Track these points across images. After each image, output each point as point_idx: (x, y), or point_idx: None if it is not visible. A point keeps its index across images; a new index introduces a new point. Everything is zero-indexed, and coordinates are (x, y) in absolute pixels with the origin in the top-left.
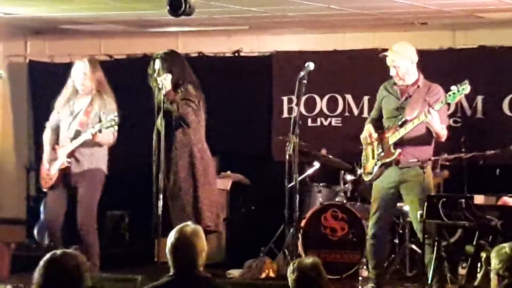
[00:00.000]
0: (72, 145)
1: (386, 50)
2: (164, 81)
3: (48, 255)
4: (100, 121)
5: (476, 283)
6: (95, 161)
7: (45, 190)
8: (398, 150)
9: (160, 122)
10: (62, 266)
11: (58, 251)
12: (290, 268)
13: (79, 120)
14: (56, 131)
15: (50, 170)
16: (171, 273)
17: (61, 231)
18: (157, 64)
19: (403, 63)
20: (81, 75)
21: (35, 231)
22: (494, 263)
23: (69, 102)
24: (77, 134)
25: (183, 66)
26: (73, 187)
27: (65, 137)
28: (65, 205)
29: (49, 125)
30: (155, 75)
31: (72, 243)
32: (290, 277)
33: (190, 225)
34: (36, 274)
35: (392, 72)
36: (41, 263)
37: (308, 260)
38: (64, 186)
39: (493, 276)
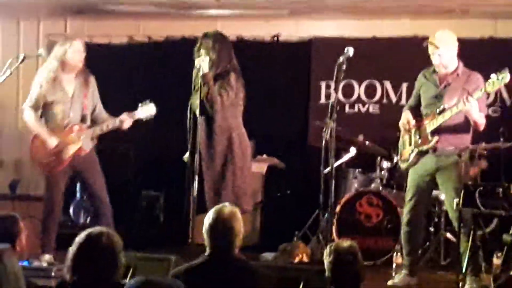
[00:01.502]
0: (100, 130)
1: (425, 38)
2: (202, 63)
3: (84, 233)
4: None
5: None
6: (92, 143)
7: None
8: (436, 138)
9: (194, 102)
10: (97, 245)
11: (94, 230)
12: (326, 251)
13: (83, 103)
14: (44, 109)
15: (63, 153)
16: (206, 254)
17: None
18: (202, 43)
19: (446, 51)
20: (82, 54)
21: (71, 209)
22: None
23: (57, 80)
24: (84, 117)
25: (226, 51)
26: (78, 171)
27: (74, 119)
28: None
29: (30, 105)
30: (196, 54)
31: None
32: (327, 259)
33: (227, 206)
34: (71, 252)
35: (435, 61)
36: (77, 241)
37: (346, 243)
38: (70, 169)
39: None
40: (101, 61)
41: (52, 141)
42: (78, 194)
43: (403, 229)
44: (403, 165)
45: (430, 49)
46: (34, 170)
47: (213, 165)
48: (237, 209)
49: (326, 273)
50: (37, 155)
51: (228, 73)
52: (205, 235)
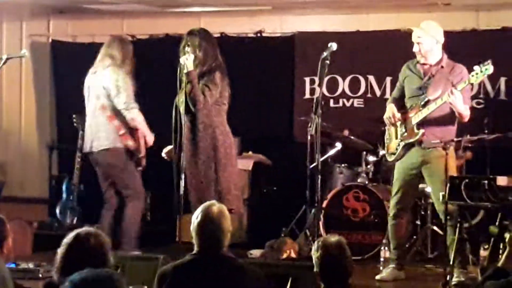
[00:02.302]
0: None
1: (408, 31)
2: (186, 61)
3: (71, 234)
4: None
5: (499, 264)
6: None
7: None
8: (422, 130)
9: (179, 100)
10: (85, 245)
11: (82, 230)
12: (314, 246)
13: None
14: None
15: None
16: (194, 252)
17: None
18: (186, 41)
19: (427, 40)
20: None
21: (58, 210)
22: None
23: None
24: None
25: (211, 48)
26: None
27: None
28: None
29: (135, 104)
30: (181, 52)
31: (94, 222)
32: (315, 254)
33: (216, 204)
34: (59, 253)
35: (415, 48)
36: (64, 241)
37: (333, 238)
38: None
39: None
40: (85, 61)
41: (152, 137)
42: (64, 195)
43: (390, 222)
44: (390, 158)
45: (413, 37)
46: (19, 172)
47: (197, 163)
48: (225, 207)
49: (315, 269)
50: (141, 149)
51: (213, 71)
52: (193, 234)
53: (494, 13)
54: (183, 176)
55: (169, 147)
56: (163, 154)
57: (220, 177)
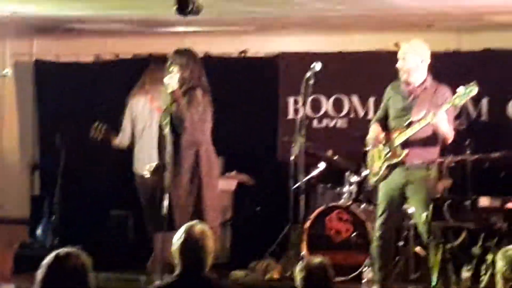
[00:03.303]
0: None
1: (392, 52)
2: (171, 80)
3: (51, 255)
4: None
5: (482, 286)
6: None
7: None
8: (405, 151)
9: (164, 120)
10: (65, 266)
11: (62, 251)
12: (298, 267)
13: None
14: None
15: None
16: (176, 273)
17: None
18: (171, 60)
19: (412, 57)
20: None
21: (39, 231)
22: (500, 265)
23: None
24: None
25: (197, 68)
26: None
27: None
28: None
29: None
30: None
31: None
32: (298, 275)
33: (198, 224)
34: (40, 274)
35: (399, 64)
36: (45, 263)
37: (317, 259)
38: None
39: (498, 278)
40: (68, 80)
41: None
42: (45, 216)
43: (375, 243)
44: (373, 179)
45: (399, 53)
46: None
47: (180, 181)
48: (207, 227)
49: None
50: None
51: (194, 89)
52: (175, 254)
53: (476, 35)
54: (167, 196)
55: (152, 164)
56: (145, 172)
57: (203, 195)
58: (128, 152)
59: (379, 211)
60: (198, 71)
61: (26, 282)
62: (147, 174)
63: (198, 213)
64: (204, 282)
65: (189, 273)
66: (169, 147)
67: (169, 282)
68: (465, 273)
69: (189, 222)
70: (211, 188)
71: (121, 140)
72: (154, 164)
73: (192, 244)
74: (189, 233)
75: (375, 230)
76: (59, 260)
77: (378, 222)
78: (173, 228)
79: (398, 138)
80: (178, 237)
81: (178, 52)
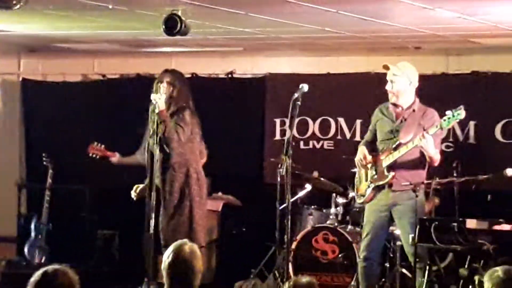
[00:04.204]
0: None
1: (379, 74)
2: (158, 100)
3: (39, 272)
4: None
5: None
6: None
7: None
8: (392, 173)
9: (153, 141)
10: (53, 284)
11: (50, 268)
12: (286, 286)
13: None
14: None
15: None
16: None
17: None
18: (164, 79)
19: (400, 80)
20: None
21: (26, 249)
22: (487, 286)
23: None
24: None
25: (185, 89)
26: None
27: None
28: None
29: None
30: (154, 91)
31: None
32: None
33: (187, 244)
34: None
35: (388, 86)
36: (32, 280)
37: (304, 279)
38: None
39: None
40: (55, 99)
41: None
42: (33, 234)
43: (360, 264)
44: (359, 200)
45: (388, 75)
46: None
47: (171, 201)
48: (196, 247)
49: None
50: None
51: (183, 109)
52: (164, 273)
53: (464, 58)
54: (153, 216)
55: (140, 186)
56: (132, 193)
57: (194, 215)
58: (115, 170)
59: (364, 233)
60: (186, 92)
61: None
62: (133, 195)
63: (189, 233)
64: None
65: None
66: (158, 168)
67: None
68: None
69: (178, 241)
70: (201, 207)
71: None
72: (140, 185)
73: (181, 264)
74: (178, 252)
75: (360, 251)
76: (47, 277)
77: (363, 243)
78: (161, 248)
79: (385, 160)
80: (167, 256)
81: (167, 71)
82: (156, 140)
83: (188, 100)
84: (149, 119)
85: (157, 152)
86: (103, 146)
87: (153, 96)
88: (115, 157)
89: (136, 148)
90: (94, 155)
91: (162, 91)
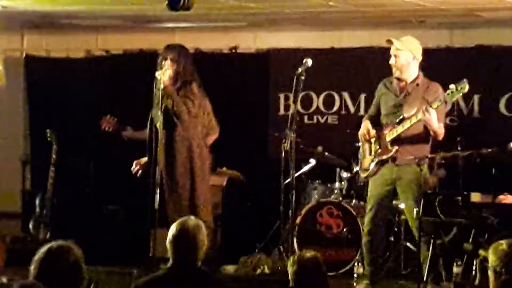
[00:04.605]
0: None
1: (383, 48)
2: (162, 76)
3: (44, 248)
4: None
5: (476, 283)
6: None
7: None
8: (395, 147)
9: (155, 115)
10: (58, 259)
11: (54, 245)
12: (290, 261)
13: None
14: None
15: None
16: (168, 265)
17: None
18: (168, 54)
19: (404, 54)
20: None
21: (31, 225)
22: (492, 260)
23: None
24: None
25: (189, 63)
26: None
27: None
28: None
29: None
30: (159, 66)
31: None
32: (290, 269)
33: (192, 219)
34: (32, 267)
35: (392, 61)
36: (37, 256)
37: (309, 253)
38: None
39: (490, 273)
40: (59, 75)
41: None
42: (37, 210)
43: (364, 239)
44: (363, 175)
45: (391, 50)
46: None
47: (173, 176)
48: (202, 222)
49: (290, 284)
50: None
51: (189, 83)
52: (168, 246)
53: (468, 31)
54: (158, 191)
55: (142, 160)
56: (134, 165)
57: (197, 189)
58: (120, 146)
59: (368, 207)
60: (190, 66)
61: (19, 276)
62: (134, 169)
63: (192, 208)
64: (196, 275)
65: (180, 266)
66: (161, 142)
67: (160, 275)
68: (456, 269)
69: (183, 217)
70: (204, 182)
71: None
72: (142, 159)
73: (184, 238)
74: (182, 227)
75: (364, 225)
76: (51, 253)
77: (367, 217)
78: (167, 223)
79: (389, 135)
80: (171, 230)
81: (170, 47)
82: (160, 116)
83: (193, 74)
84: (153, 96)
85: (160, 128)
86: (116, 119)
87: (157, 72)
88: (127, 131)
89: (139, 123)
90: (107, 128)
91: (166, 67)
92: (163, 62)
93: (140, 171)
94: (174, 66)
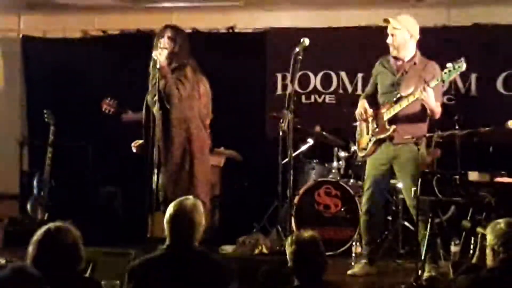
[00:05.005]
0: None
1: (380, 27)
2: (159, 56)
3: (42, 229)
4: None
5: (474, 260)
6: None
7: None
8: (393, 127)
9: (151, 100)
10: (56, 240)
11: (52, 226)
12: (288, 241)
13: None
14: None
15: None
16: (165, 246)
17: None
18: (164, 34)
19: (401, 33)
20: None
21: (29, 206)
22: (490, 238)
23: None
24: None
25: (186, 45)
26: None
27: None
28: None
29: None
30: (155, 46)
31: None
32: (288, 249)
33: (190, 199)
34: (31, 248)
35: (389, 40)
36: (35, 237)
37: (307, 233)
38: None
39: (488, 251)
40: (56, 56)
41: None
42: (35, 191)
43: (362, 218)
44: (361, 154)
45: (388, 28)
46: None
47: (172, 158)
48: (200, 202)
49: (288, 264)
50: None
51: (184, 66)
52: (165, 226)
53: (465, 10)
54: (155, 172)
55: (139, 141)
56: (133, 147)
57: (195, 170)
58: (118, 128)
59: (366, 186)
60: (186, 49)
61: (17, 257)
62: (134, 150)
63: (190, 189)
64: (193, 255)
65: (177, 246)
66: (158, 124)
67: (158, 255)
68: (454, 248)
69: (181, 197)
70: (203, 163)
71: None
72: (139, 141)
73: (181, 217)
74: (179, 206)
75: (362, 204)
76: (50, 234)
77: (365, 197)
78: (165, 204)
79: (386, 114)
80: (169, 210)
81: (167, 27)
82: (156, 97)
83: (188, 57)
84: (150, 76)
85: (156, 109)
86: (116, 102)
87: (154, 52)
88: (127, 114)
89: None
90: (107, 111)
91: (162, 46)
92: (160, 40)
93: (136, 150)
94: (171, 45)
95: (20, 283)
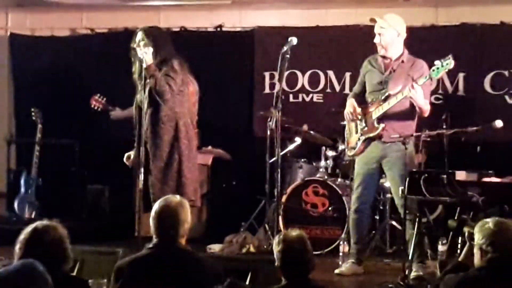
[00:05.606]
0: None
1: (368, 26)
2: (145, 55)
3: (29, 228)
4: None
5: (460, 259)
6: None
7: None
8: (382, 125)
9: (140, 96)
10: (43, 239)
11: (39, 224)
12: (276, 240)
13: None
14: None
15: None
16: (151, 245)
17: None
18: (139, 36)
19: (389, 32)
20: None
21: (16, 204)
22: (478, 238)
23: None
24: None
25: (168, 42)
26: None
27: None
28: None
29: None
30: (137, 47)
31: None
32: (276, 248)
33: (176, 197)
34: (18, 247)
35: (376, 39)
36: (22, 235)
37: (295, 232)
38: None
39: (476, 251)
40: (44, 54)
41: None
42: (22, 189)
43: (351, 216)
44: (350, 153)
45: (375, 28)
46: None
47: (160, 155)
48: (186, 200)
49: (276, 263)
50: None
51: (169, 59)
52: (151, 223)
53: (453, 9)
54: (142, 170)
55: (130, 154)
56: (126, 162)
57: (184, 168)
58: (106, 126)
59: (355, 185)
60: (164, 42)
61: (4, 255)
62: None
63: (178, 187)
64: (179, 254)
65: (163, 243)
66: (147, 122)
67: (144, 254)
68: (441, 247)
69: (168, 195)
70: (191, 161)
71: None
72: (131, 153)
73: (166, 213)
74: (165, 203)
75: (352, 203)
76: (37, 232)
77: (354, 195)
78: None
79: (375, 112)
80: (155, 207)
81: (147, 28)
82: (145, 95)
83: (172, 51)
84: (134, 75)
85: (145, 107)
86: (104, 99)
87: (139, 52)
88: (115, 111)
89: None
90: (95, 107)
91: (147, 45)
92: (143, 42)
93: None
94: (155, 45)
95: (30, 278)
